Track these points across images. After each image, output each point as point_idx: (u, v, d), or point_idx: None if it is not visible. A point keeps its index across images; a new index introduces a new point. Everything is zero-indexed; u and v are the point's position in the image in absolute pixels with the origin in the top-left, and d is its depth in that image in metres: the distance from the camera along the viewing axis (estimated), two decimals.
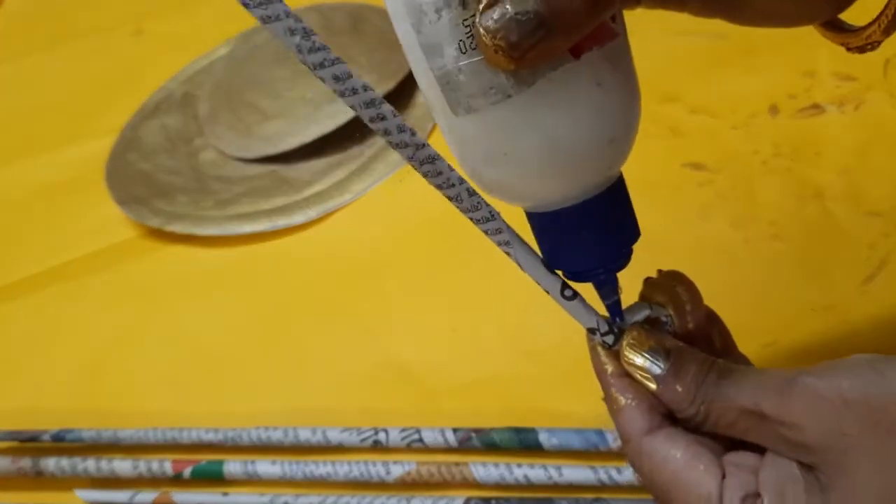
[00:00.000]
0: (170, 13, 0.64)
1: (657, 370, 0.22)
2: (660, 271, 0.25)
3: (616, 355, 0.23)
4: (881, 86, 0.44)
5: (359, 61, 0.52)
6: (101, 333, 0.44)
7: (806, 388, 0.19)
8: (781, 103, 0.45)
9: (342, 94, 0.17)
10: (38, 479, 0.38)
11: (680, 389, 0.22)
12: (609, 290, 0.23)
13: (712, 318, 0.25)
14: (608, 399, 0.23)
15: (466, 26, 0.18)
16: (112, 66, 0.61)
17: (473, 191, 0.20)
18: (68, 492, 0.37)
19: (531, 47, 0.17)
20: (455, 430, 0.35)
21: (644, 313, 0.24)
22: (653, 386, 0.22)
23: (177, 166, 0.52)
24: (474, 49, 0.19)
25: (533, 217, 0.23)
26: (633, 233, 0.23)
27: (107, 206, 0.50)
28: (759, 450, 0.21)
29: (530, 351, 0.38)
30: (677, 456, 0.21)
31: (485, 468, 0.33)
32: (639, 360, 0.22)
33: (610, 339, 0.23)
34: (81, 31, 0.65)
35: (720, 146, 0.44)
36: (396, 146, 0.18)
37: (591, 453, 0.33)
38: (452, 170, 0.19)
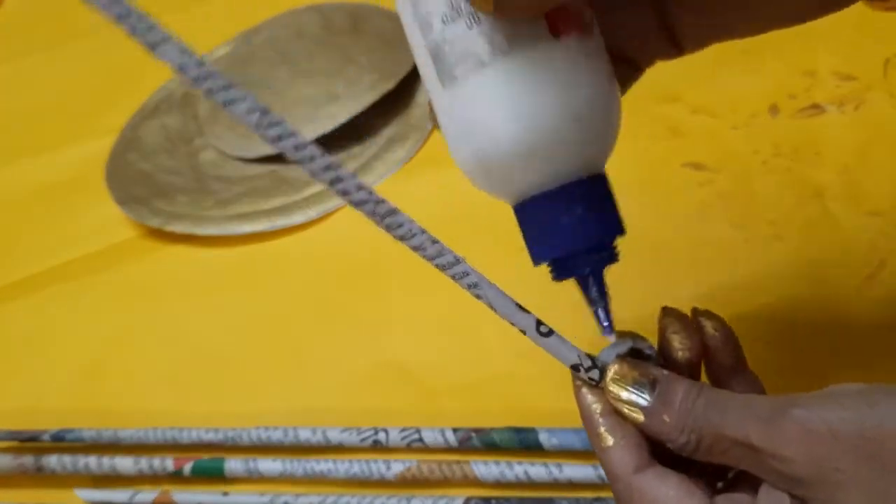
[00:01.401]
0: (170, 13, 0.64)
1: (643, 402, 0.22)
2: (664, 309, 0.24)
3: (602, 393, 0.23)
4: (881, 86, 0.44)
5: (359, 61, 0.52)
6: (102, 333, 0.44)
7: (795, 421, 0.19)
8: (781, 103, 0.45)
9: (301, 162, 0.19)
10: (39, 478, 0.38)
11: (668, 419, 0.21)
12: (595, 291, 0.23)
13: (728, 337, 0.24)
14: (594, 438, 0.23)
15: None
16: (112, 66, 0.61)
17: (436, 239, 0.21)
18: (68, 490, 0.37)
19: None
20: (455, 430, 0.35)
21: (626, 346, 0.23)
22: (640, 419, 0.22)
23: (177, 166, 0.52)
24: (457, 18, 0.21)
25: (517, 211, 0.23)
26: (615, 226, 0.22)
27: (107, 206, 0.50)
28: (754, 485, 0.21)
29: (530, 351, 0.37)
30: (669, 494, 0.21)
31: (485, 466, 0.33)
32: (624, 393, 0.22)
33: (594, 374, 0.23)
34: (81, 31, 0.65)
35: (720, 146, 0.44)
36: (356, 204, 0.19)
37: (591, 453, 0.33)
38: (413, 221, 0.20)
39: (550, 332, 0.22)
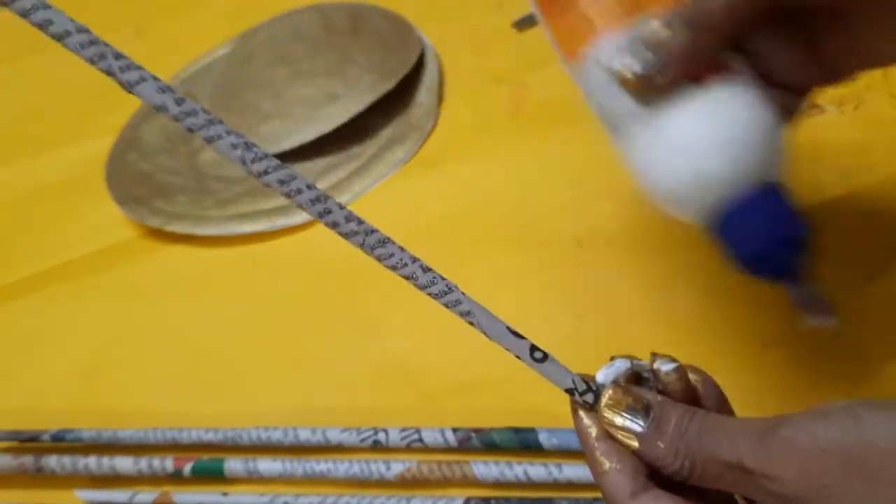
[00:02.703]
0: (170, 14, 0.64)
1: (637, 428, 0.22)
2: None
3: (598, 417, 0.23)
4: (881, 86, 0.44)
5: (358, 61, 0.52)
6: (101, 333, 0.44)
7: (784, 440, 0.19)
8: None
9: (288, 195, 0.19)
10: (39, 478, 0.38)
11: (662, 445, 0.21)
12: (800, 280, 0.25)
13: (710, 385, 0.25)
14: (591, 462, 0.23)
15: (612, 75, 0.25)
16: None
17: (428, 267, 0.21)
18: (68, 491, 0.37)
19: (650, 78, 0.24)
20: (455, 431, 0.35)
21: (625, 367, 0.23)
22: (635, 444, 0.22)
23: (177, 166, 0.52)
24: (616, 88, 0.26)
25: (710, 225, 0.26)
26: (798, 219, 0.25)
27: (107, 206, 0.50)
28: None
29: None
30: None
31: (485, 466, 0.33)
32: (618, 419, 0.22)
33: (590, 397, 0.23)
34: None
35: None
36: (347, 235, 0.20)
37: None
38: (404, 250, 0.21)
39: (545, 357, 0.23)
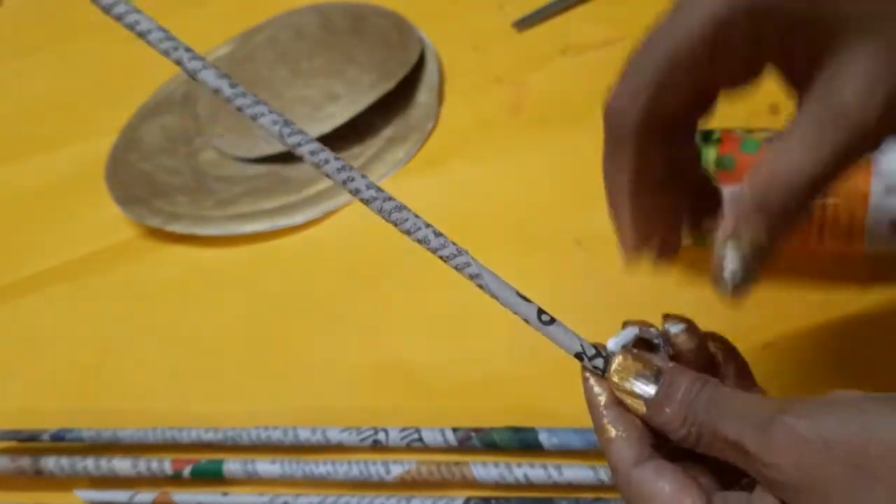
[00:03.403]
0: (170, 13, 0.64)
1: (646, 394, 0.22)
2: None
3: (607, 383, 0.23)
4: None
5: (359, 61, 0.52)
6: (101, 333, 0.44)
7: (786, 428, 0.19)
8: (782, 103, 0.45)
9: (317, 165, 0.22)
10: (38, 479, 0.38)
11: (669, 412, 0.21)
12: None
13: (731, 355, 0.25)
14: (598, 429, 0.23)
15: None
16: (112, 66, 0.61)
17: (439, 232, 0.22)
18: (68, 492, 0.37)
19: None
20: (455, 430, 0.35)
21: (633, 334, 0.23)
22: (643, 410, 0.22)
23: (177, 166, 0.52)
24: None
25: None
26: None
27: (107, 206, 0.50)
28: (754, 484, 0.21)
29: (530, 351, 0.38)
30: (665, 489, 0.21)
31: (485, 468, 0.33)
32: (627, 384, 0.22)
33: (600, 363, 0.23)
34: (81, 30, 0.65)
35: None
36: (367, 201, 0.22)
37: (591, 453, 0.33)
38: (418, 216, 0.22)
39: (552, 321, 0.23)
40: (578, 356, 0.23)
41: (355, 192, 0.22)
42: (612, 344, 0.23)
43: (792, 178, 0.20)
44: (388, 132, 0.50)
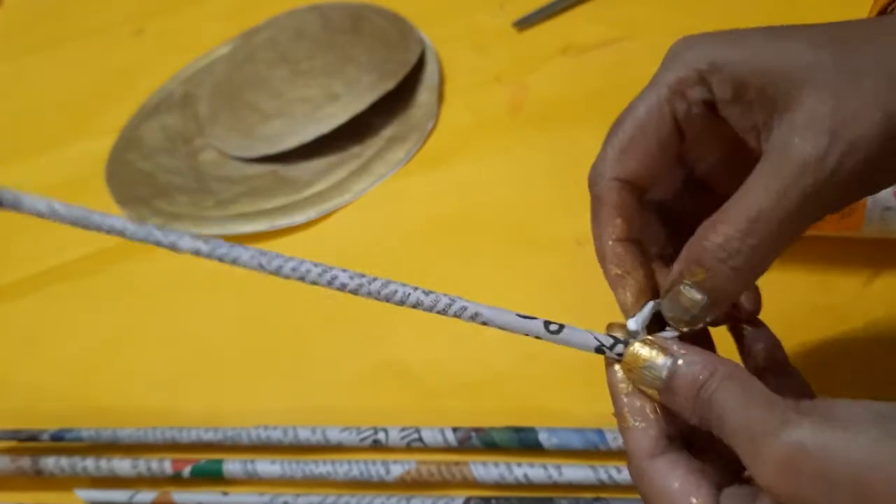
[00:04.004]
0: (170, 13, 0.64)
1: (658, 382, 0.22)
2: None
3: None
4: None
5: (359, 61, 0.52)
6: (101, 333, 0.44)
7: (782, 454, 0.18)
8: None
9: (302, 279, 0.24)
10: (38, 479, 0.38)
11: (678, 400, 0.21)
12: None
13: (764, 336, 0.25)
14: (618, 417, 0.23)
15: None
16: (112, 66, 0.61)
17: (428, 291, 0.23)
18: (68, 491, 0.37)
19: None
20: (455, 430, 0.35)
21: (650, 309, 0.23)
22: (656, 396, 0.22)
23: (177, 166, 0.52)
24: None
25: None
26: None
27: (107, 206, 0.50)
28: None
29: (530, 351, 0.38)
30: (674, 486, 0.21)
31: (485, 468, 0.33)
32: (640, 373, 0.22)
33: (620, 348, 0.23)
34: (82, 30, 0.65)
35: None
36: (355, 290, 0.24)
37: (590, 452, 0.33)
38: (404, 285, 0.24)
39: (561, 328, 0.23)
40: (598, 350, 0.23)
41: (342, 287, 0.24)
42: (632, 324, 0.23)
43: (759, 223, 0.21)
44: (388, 132, 0.50)
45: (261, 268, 0.24)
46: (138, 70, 0.60)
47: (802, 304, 0.36)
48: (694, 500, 0.20)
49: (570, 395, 0.36)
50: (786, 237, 0.21)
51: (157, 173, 0.51)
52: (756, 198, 0.21)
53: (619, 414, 0.23)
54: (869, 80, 0.20)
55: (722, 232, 0.21)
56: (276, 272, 0.24)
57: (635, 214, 0.24)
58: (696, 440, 0.23)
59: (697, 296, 0.22)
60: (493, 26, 0.55)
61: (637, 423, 0.22)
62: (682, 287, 0.22)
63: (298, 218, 0.46)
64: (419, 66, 0.52)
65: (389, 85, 0.50)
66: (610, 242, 0.24)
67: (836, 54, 0.20)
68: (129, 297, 0.46)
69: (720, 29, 0.24)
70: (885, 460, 0.17)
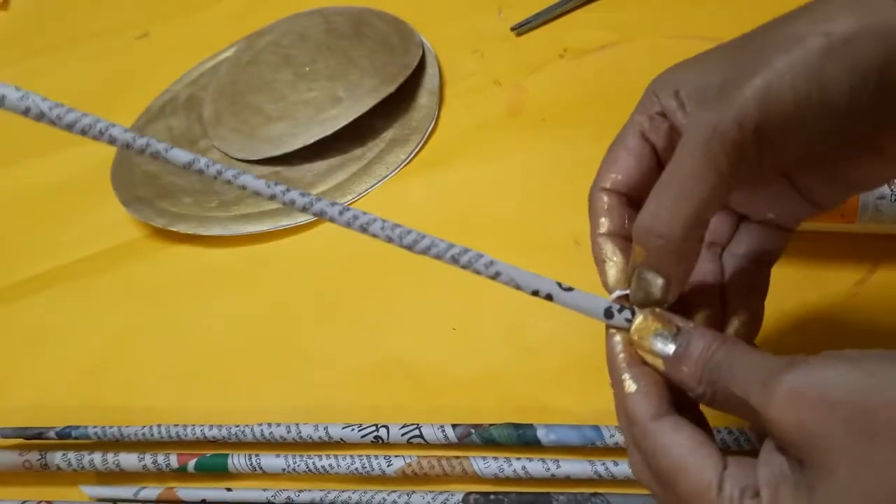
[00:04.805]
0: (175, 17, 0.65)
1: (666, 352, 0.22)
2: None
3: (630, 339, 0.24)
4: None
5: (361, 64, 0.52)
6: (107, 332, 0.45)
7: (787, 385, 0.19)
8: None
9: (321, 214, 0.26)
10: (44, 474, 0.39)
11: (685, 370, 0.22)
12: None
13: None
14: (617, 384, 0.23)
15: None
16: (118, 69, 0.62)
17: (443, 239, 0.24)
18: (73, 487, 0.38)
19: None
20: (454, 427, 0.35)
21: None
22: (661, 367, 0.23)
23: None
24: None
25: None
26: None
27: (112, 206, 0.50)
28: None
29: (529, 348, 0.38)
30: (682, 442, 0.21)
31: (484, 461, 0.34)
32: (647, 342, 0.23)
33: (628, 314, 0.24)
34: (87, 33, 0.65)
35: None
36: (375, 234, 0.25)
37: (588, 449, 0.34)
38: (423, 234, 0.25)
39: (572, 288, 0.24)
40: (608, 312, 0.24)
41: (361, 229, 0.25)
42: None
43: (672, 187, 0.22)
44: (389, 134, 0.51)
45: (228, 182, 0.24)
46: (143, 73, 0.61)
47: (798, 304, 0.37)
48: (705, 453, 0.21)
49: (568, 392, 0.36)
50: (704, 199, 0.22)
51: (161, 174, 0.52)
52: (667, 170, 0.23)
53: (617, 383, 0.23)
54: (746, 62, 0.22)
55: (646, 211, 0.23)
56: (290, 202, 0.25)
57: (618, 215, 0.26)
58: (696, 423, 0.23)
59: (650, 276, 0.23)
60: (492, 30, 0.55)
61: (641, 388, 0.22)
62: (639, 271, 0.23)
63: (301, 218, 0.47)
64: (420, 69, 0.53)
65: (390, 88, 0.51)
66: (597, 238, 0.26)
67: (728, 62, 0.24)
68: (134, 297, 0.46)
69: (713, 33, 0.24)
70: (884, 385, 0.18)
